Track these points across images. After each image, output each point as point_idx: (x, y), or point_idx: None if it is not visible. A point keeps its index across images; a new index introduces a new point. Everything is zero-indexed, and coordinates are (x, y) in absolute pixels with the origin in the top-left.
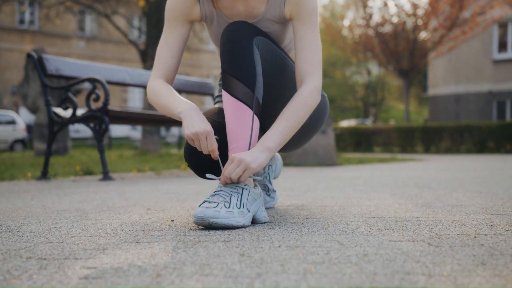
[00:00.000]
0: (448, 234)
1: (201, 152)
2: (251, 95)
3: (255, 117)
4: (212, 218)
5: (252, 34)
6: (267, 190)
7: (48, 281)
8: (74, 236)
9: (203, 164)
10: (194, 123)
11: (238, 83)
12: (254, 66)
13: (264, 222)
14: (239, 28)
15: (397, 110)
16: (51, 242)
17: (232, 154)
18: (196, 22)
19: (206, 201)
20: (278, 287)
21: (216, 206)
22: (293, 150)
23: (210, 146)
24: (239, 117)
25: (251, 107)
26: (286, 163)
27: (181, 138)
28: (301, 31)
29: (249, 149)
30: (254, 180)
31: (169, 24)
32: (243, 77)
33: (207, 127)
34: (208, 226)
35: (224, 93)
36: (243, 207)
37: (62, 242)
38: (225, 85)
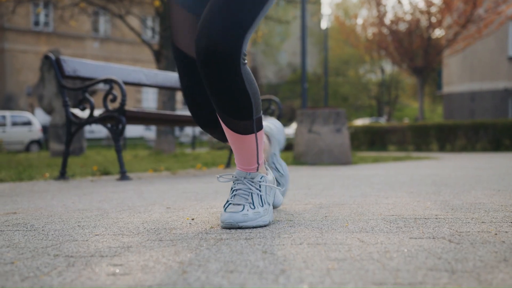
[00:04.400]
0: (468, 231)
1: (199, 109)
2: (251, 123)
3: (258, 133)
4: (242, 223)
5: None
6: (278, 171)
7: (77, 278)
8: (98, 235)
9: (201, 120)
10: None
11: (235, 122)
12: (247, 93)
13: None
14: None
15: (411, 108)
16: (76, 240)
17: None
18: None
19: (230, 203)
20: (303, 283)
21: (243, 209)
22: None
23: None
24: (243, 143)
25: (253, 132)
26: (301, 162)
27: (195, 138)
28: None
29: (257, 160)
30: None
31: None
32: (239, 116)
33: None
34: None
35: (223, 125)
36: (266, 203)
37: (87, 240)
38: (223, 120)
